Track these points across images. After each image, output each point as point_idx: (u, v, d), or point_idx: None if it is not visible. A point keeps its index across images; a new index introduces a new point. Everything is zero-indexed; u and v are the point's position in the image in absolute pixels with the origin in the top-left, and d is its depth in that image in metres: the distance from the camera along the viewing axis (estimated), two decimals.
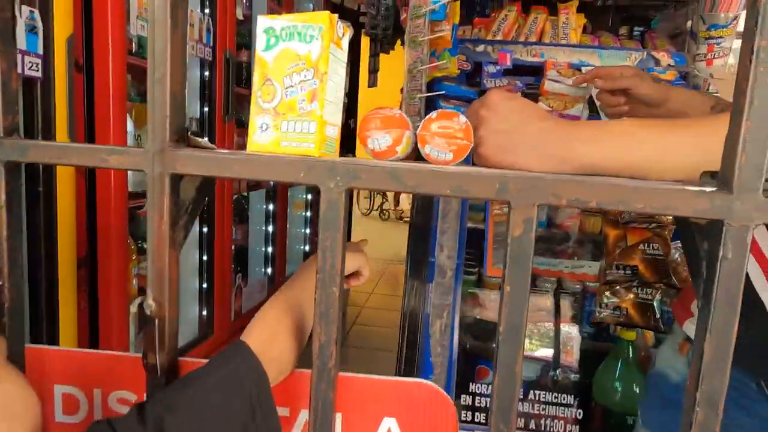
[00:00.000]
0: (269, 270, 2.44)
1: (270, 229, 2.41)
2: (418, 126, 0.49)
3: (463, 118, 0.47)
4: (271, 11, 2.20)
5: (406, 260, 1.18)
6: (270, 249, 2.40)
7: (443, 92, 1.11)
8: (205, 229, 1.77)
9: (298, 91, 0.46)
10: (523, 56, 1.45)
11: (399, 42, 3.53)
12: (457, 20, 1.14)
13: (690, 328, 0.80)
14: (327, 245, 0.45)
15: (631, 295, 1.09)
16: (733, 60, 1.32)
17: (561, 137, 0.51)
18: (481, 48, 1.45)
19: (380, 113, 0.48)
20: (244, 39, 2.24)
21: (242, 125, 2.16)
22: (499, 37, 1.48)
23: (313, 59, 0.45)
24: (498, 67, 1.40)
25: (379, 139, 0.48)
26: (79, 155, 0.48)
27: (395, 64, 4.24)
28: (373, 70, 3.70)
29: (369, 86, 3.81)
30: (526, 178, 0.42)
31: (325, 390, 0.46)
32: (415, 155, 0.51)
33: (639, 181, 0.44)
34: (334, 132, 0.48)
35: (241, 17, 2.07)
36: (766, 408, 0.66)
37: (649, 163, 0.51)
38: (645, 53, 1.42)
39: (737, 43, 1.42)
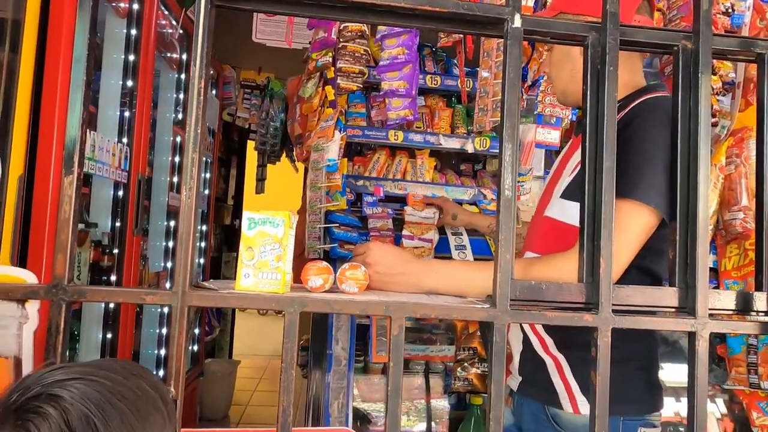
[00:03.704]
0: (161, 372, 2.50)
1: (164, 331, 2.51)
2: (336, 270, 0.85)
3: (363, 268, 0.83)
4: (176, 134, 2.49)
5: (308, 354, 1.47)
6: (163, 351, 2.49)
7: (337, 223, 1.49)
8: (109, 335, 1.88)
9: (269, 255, 0.79)
10: (392, 189, 1.92)
11: (284, 154, 3.96)
12: (345, 171, 1.55)
13: (510, 383, 1.21)
14: (288, 346, 0.76)
15: (475, 369, 1.49)
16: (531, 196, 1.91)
17: (415, 280, 0.91)
18: (361, 183, 1.89)
19: (315, 265, 0.83)
20: (150, 156, 2.48)
21: (146, 234, 2.34)
22: (374, 174, 1.94)
23: (279, 237, 0.79)
24: (374, 198, 1.84)
25: (315, 280, 0.82)
26: (125, 295, 0.75)
27: (281, 173, 4.64)
28: (261, 179, 4.06)
29: (257, 193, 4.14)
30: (399, 303, 0.78)
31: None
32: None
33: (453, 302, 0.83)
34: (290, 275, 0.81)
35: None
36: (551, 431, 1.06)
37: (466, 289, 0.92)
38: (477, 190, 1.97)
39: (535, 184, 2.04)
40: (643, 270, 1.07)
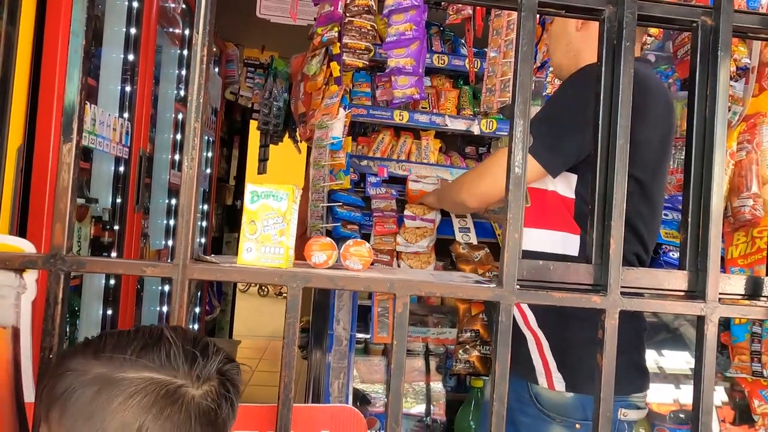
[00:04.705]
0: None
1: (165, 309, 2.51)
2: (340, 247, 0.83)
3: (368, 245, 0.82)
4: (177, 111, 2.46)
5: (309, 334, 1.46)
6: None
7: (340, 202, 1.47)
8: (109, 312, 1.88)
9: (272, 229, 0.77)
10: (396, 170, 1.89)
11: (287, 134, 3.93)
12: (349, 149, 1.52)
13: None
14: (291, 321, 0.75)
15: (476, 352, 1.49)
16: None
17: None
18: (365, 163, 1.86)
19: (318, 241, 0.81)
20: (152, 133, 2.45)
21: (147, 212, 2.32)
22: (378, 155, 1.92)
23: (282, 211, 0.78)
24: (377, 178, 1.82)
25: (318, 256, 0.81)
26: (124, 266, 0.73)
27: (283, 154, 4.60)
28: (263, 159, 4.03)
29: (259, 173, 4.12)
30: (403, 280, 0.77)
31: (287, 414, 0.74)
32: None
33: (459, 282, 0.82)
34: (292, 250, 0.80)
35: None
36: (534, 409, 1.07)
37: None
38: None
39: None
40: (632, 229, 1.13)
